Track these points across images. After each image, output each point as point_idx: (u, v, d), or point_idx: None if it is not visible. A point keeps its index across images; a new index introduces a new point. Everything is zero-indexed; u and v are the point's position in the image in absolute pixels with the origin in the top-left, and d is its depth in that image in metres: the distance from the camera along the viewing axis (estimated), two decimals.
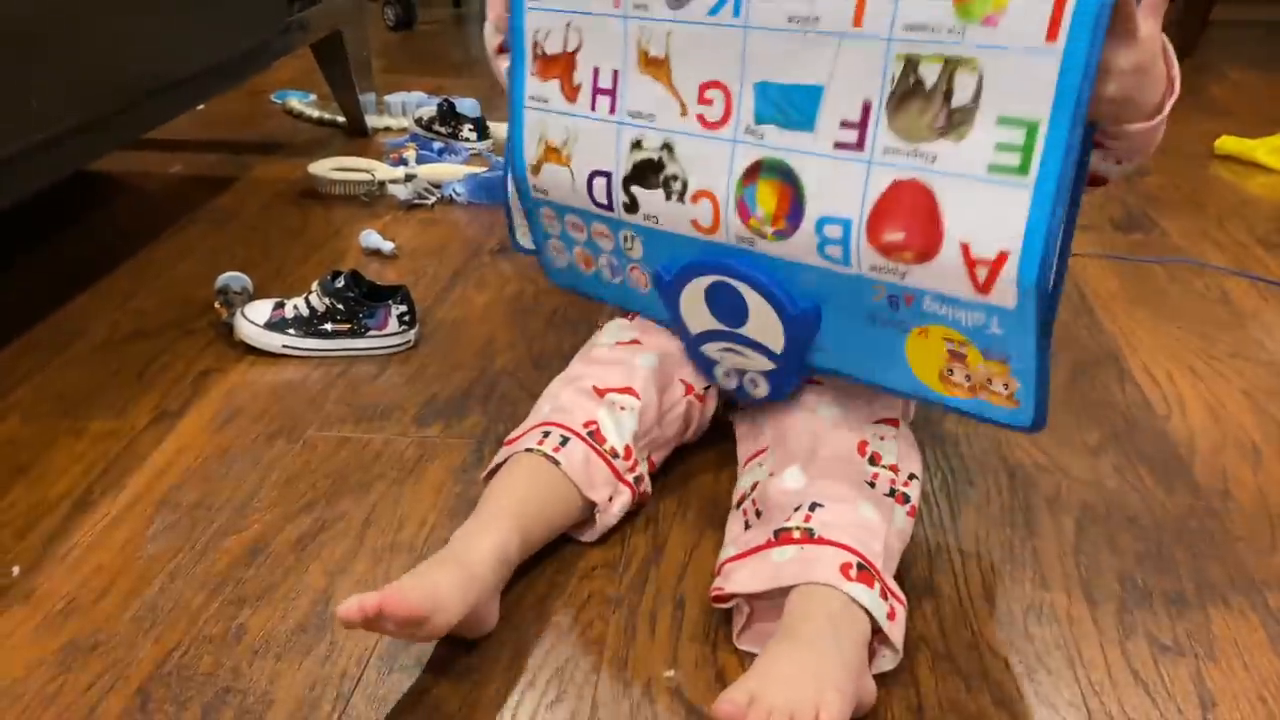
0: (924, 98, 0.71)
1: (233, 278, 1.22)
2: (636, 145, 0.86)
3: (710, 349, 0.90)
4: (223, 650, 0.75)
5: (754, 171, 0.80)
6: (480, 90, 2.05)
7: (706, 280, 0.86)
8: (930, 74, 0.71)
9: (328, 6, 1.81)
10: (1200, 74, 2.38)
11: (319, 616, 0.78)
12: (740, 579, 0.75)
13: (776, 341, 0.85)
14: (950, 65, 0.70)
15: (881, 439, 0.84)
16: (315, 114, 2.04)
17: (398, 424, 1.03)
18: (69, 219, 1.56)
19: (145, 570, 0.83)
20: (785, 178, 0.78)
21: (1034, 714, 0.71)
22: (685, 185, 0.84)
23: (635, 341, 0.96)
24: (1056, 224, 0.67)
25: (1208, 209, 1.62)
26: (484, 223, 1.56)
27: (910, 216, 0.72)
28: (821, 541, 0.74)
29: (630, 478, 0.87)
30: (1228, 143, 1.85)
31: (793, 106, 0.78)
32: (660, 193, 0.85)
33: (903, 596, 0.74)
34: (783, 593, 0.72)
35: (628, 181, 0.87)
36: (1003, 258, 0.69)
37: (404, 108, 2.03)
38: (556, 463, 0.83)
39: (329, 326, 1.15)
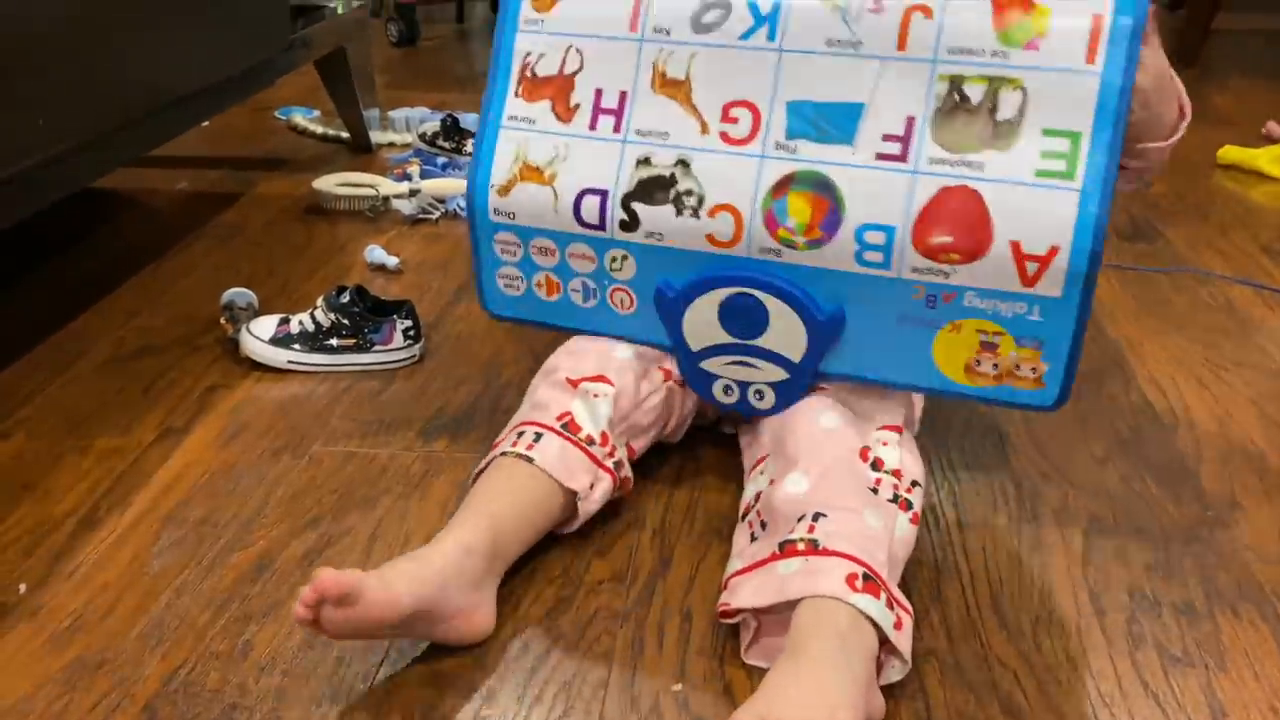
0: (969, 113, 0.78)
1: (238, 293, 1.22)
2: (643, 162, 0.87)
3: (713, 364, 0.90)
4: (229, 667, 0.75)
5: (785, 184, 0.82)
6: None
7: (723, 293, 0.86)
8: (975, 93, 0.78)
9: (331, 23, 1.82)
10: (1203, 83, 2.38)
11: None
12: (746, 594, 0.75)
13: (795, 350, 0.86)
14: (995, 84, 0.78)
15: (884, 445, 0.84)
16: (319, 130, 2.04)
17: (403, 439, 1.04)
18: (74, 236, 1.56)
19: (151, 587, 0.83)
20: (821, 189, 0.81)
21: None
22: (701, 200, 0.84)
23: None
24: (1104, 217, 0.75)
25: (1211, 218, 1.62)
26: None
27: (959, 220, 0.78)
28: (826, 553, 0.73)
29: (610, 463, 0.87)
30: (1230, 152, 1.85)
31: (830, 123, 0.81)
32: (669, 209, 0.85)
33: (909, 606, 0.74)
34: (789, 606, 0.72)
35: (628, 198, 0.87)
36: (1054, 251, 0.76)
37: (408, 123, 2.03)
38: (531, 459, 0.84)
39: (334, 342, 1.15)
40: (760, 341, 0.87)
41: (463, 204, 1.62)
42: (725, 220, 0.84)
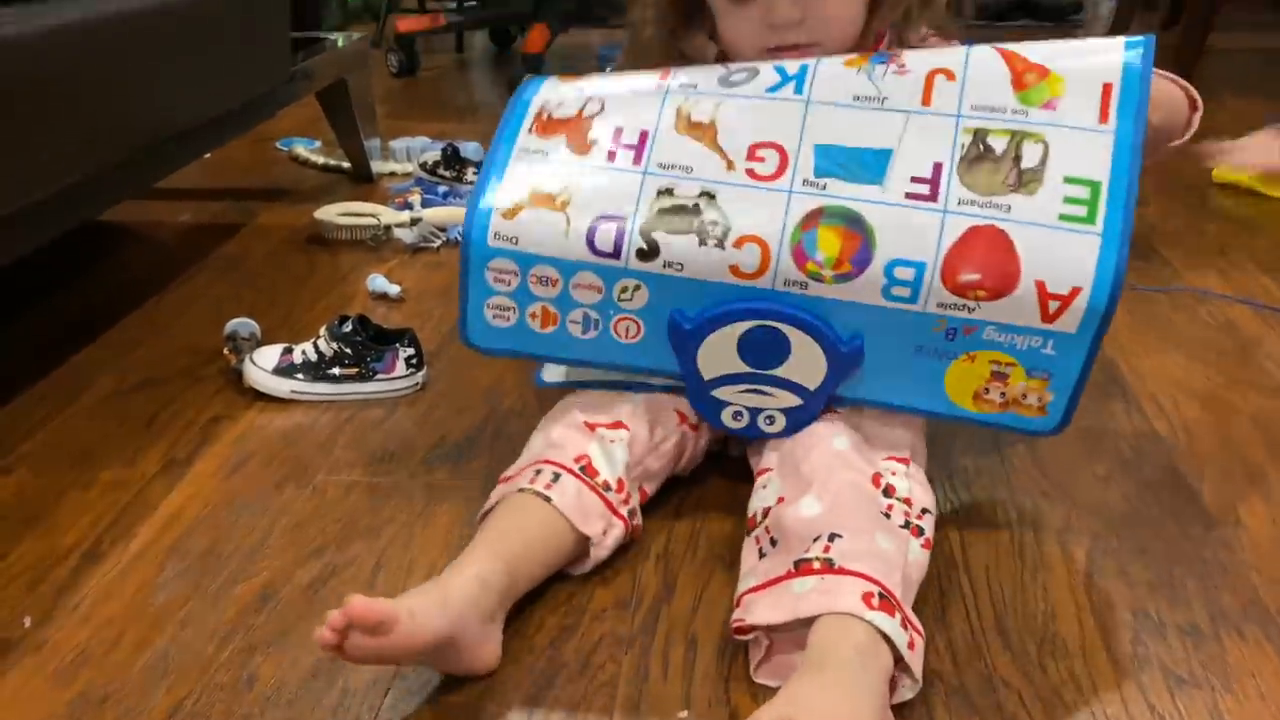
0: (994, 161, 0.82)
1: (241, 324, 1.23)
2: (666, 193, 0.86)
3: (725, 392, 0.90)
4: (234, 699, 0.75)
5: (814, 217, 0.83)
6: (483, 134, 2.07)
7: (744, 325, 0.85)
8: (999, 144, 0.82)
9: (332, 55, 1.84)
10: None
11: (330, 663, 0.78)
12: (761, 611, 0.75)
13: (813, 379, 0.87)
14: (1017, 137, 0.82)
15: (894, 474, 0.85)
16: (321, 160, 2.06)
17: (406, 467, 1.04)
18: (77, 268, 1.57)
19: (156, 619, 0.84)
20: (852, 224, 0.82)
21: None
22: (727, 231, 0.84)
23: None
24: (1123, 261, 0.78)
25: (1208, 236, 1.63)
26: None
27: (988, 258, 0.80)
28: (842, 571, 0.74)
29: (624, 511, 0.87)
30: (1227, 171, 1.86)
31: (859, 165, 0.84)
32: (692, 238, 0.84)
33: (921, 628, 0.74)
34: (803, 624, 0.72)
35: (649, 227, 0.85)
36: (1075, 291, 0.79)
37: (408, 153, 2.04)
38: (548, 499, 0.84)
39: (337, 371, 1.16)
40: (778, 371, 0.87)
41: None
42: (751, 251, 0.83)
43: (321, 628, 0.68)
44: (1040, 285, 0.79)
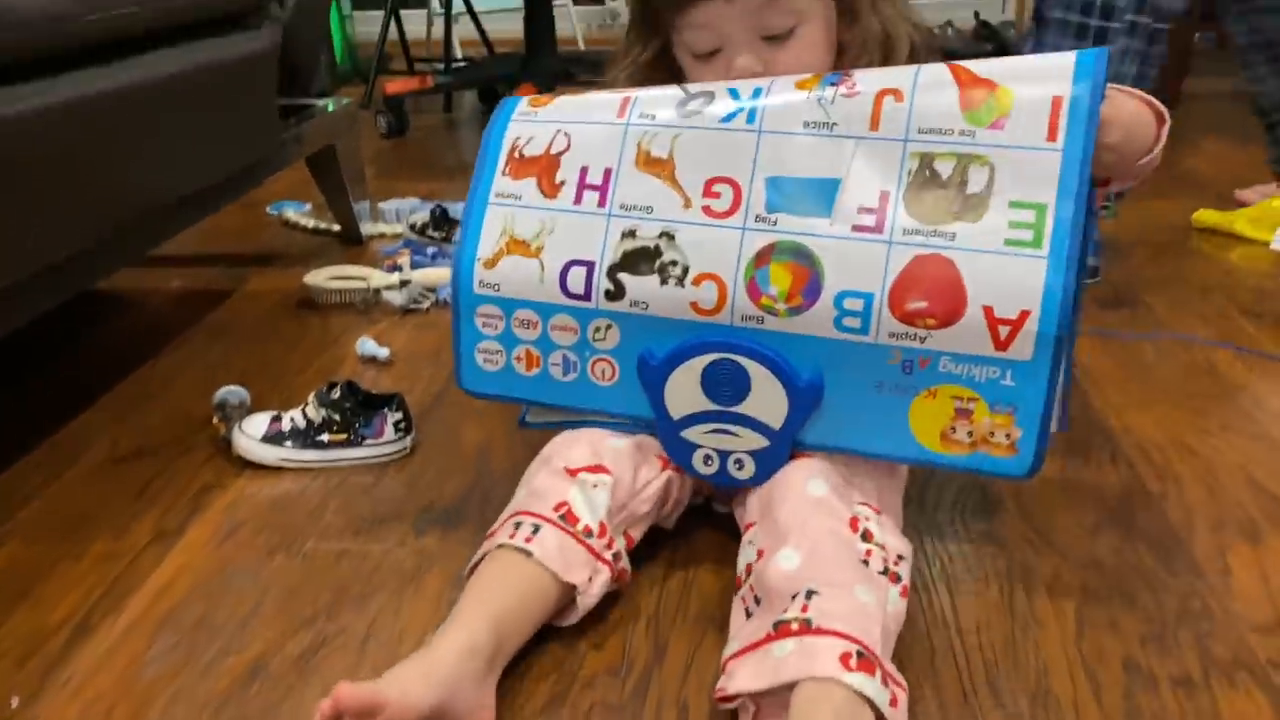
0: (940, 187, 0.82)
1: (230, 392, 1.23)
2: (629, 235, 0.90)
3: (694, 433, 0.91)
4: None
5: (766, 254, 0.86)
6: None
7: (705, 360, 0.88)
8: (945, 168, 0.82)
9: (321, 121, 1.86)
10: (1175, 147, 2.41)
11: None
12: (743, 678, 0.75)
13: (776, 417, 0.88)
14: (963, 161, 0.82)
15: (868, 519, 0.85)
16: (311, 224, 2.08)
17: (396, 533, 1.04)
18: (70, 336, 1.58)
19: (145, 695, 0.83)
20: (801, 259, 0.85)
21: None
22: (686, 270, 0.88)
23: None
24: (1071, 283, 0.78)
25: (1190, 282, 1.65)
26: None
27: (934, 286, 0.81)
28: (820, 631, 0.74)
29: (608, 555, 0.87)
30: (1206, 215, 1.88)
31: (807, 197, 0.85)
32: (654, 279, 0.88)
33: (903, 681, 0.74)
34: (787, 688, 0.72)
35: (614, 269, 0.90)
36: (1024, 315, 0.79)
37: (398, 214, 2.07)
38: (529, 553, 0.84)
39: (325, 437, 1.16)
40: (741, 408, 0.88)
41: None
42: (709, 289, 0.87)
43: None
44: (988, 311, 0.80)
